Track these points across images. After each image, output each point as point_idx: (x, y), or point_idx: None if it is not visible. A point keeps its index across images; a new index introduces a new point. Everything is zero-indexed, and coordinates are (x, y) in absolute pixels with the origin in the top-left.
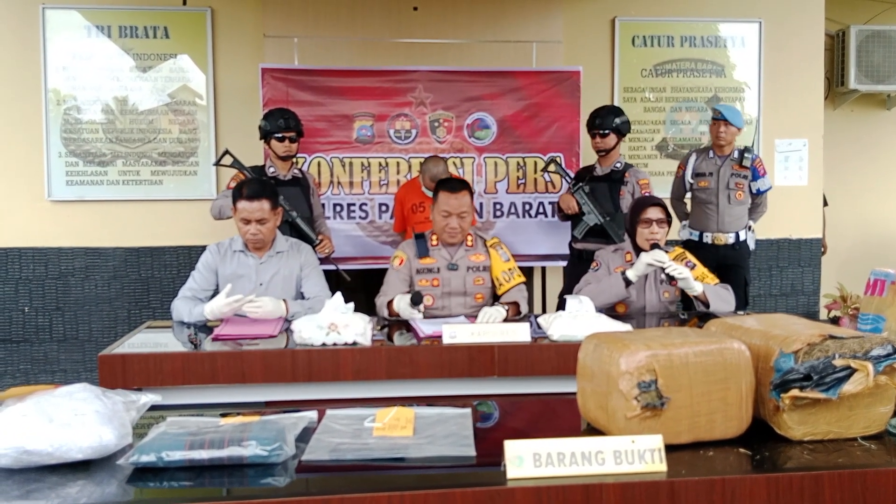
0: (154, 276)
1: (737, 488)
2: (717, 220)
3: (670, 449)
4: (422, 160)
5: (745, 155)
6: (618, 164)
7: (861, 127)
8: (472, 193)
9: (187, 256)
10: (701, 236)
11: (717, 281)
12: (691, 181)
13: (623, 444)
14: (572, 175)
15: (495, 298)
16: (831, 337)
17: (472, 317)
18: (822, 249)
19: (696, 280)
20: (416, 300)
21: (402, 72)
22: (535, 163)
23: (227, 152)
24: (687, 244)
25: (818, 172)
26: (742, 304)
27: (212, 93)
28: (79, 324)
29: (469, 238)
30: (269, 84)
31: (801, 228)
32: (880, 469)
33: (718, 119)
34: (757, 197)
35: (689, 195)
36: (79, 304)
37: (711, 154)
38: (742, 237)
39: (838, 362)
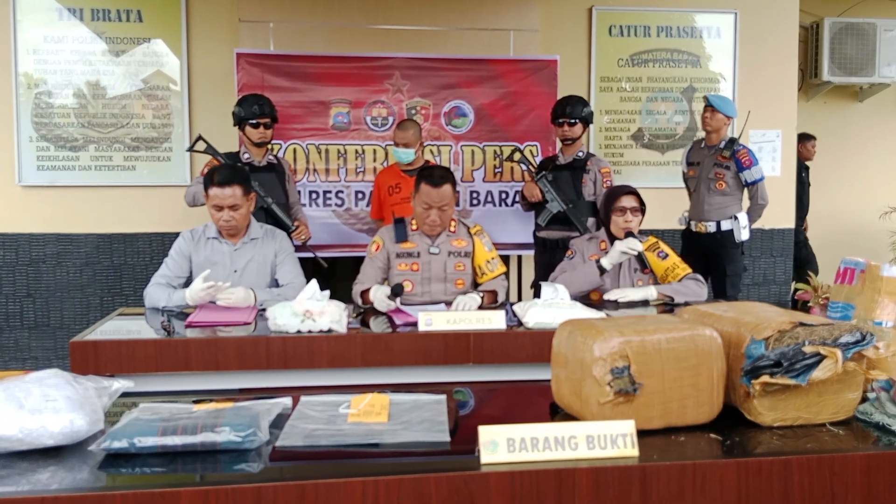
0: (127, 262)
1: (707, 473)
2: (700, 209)
3: (642, 434)
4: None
5: (730, 146)
6: (580, 153)
7: (834, 118)
8: (454, 184)
9: (160, 243)
10: (689, 224)
11: (688, 270)
12: (685, 170)
13: (596, 429)
14: (535, 164)
15: (476, 287)
16: (801, 324)
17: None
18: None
19: (667, 269)
20: (397, 292)
21: (379, 58)
22: (513, 152)
23: (199, 138)
24: (684, 232)
25: (791, 163)
26: (721, 293)
27: (186, 78)
28: (50, 311)
29: (452, 223)
30: (244, 69)
31: (773, 219)
32: (848, 454)
33: (706, 106)
34: (750, 189)
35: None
36: (50, 291)
37: (703, 144)
38: (725, 227)
39: (808, 349)
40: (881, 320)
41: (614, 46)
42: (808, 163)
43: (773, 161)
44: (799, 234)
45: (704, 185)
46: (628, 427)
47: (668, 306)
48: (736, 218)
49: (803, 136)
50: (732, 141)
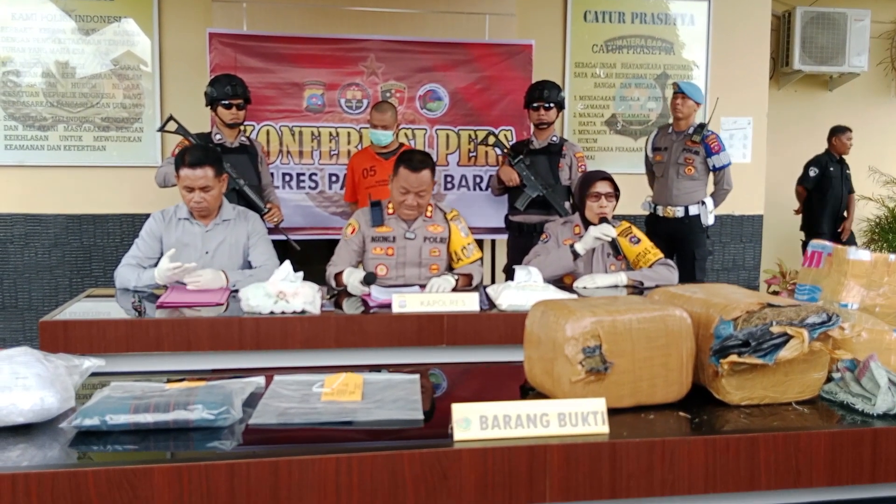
0: (96, 244)
1: (676, 449)
2: (667, 194)
3: (613, 412)
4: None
5: (700, 131)
6: (554, 138)
7: (804, 107)
8: (433, 169)
9: (131, 225)
10: (655, 209)
11: (660, 255)
12: (650, 155)
13: (567, 406)
14: (509, 148)
15: (450, 272)
16: (769, 305)
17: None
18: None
19: (639, 255)
20: (369, 280)
21: (355, 40)
22: (487, 136)
23: (171, 118)
24: (648, 217)
25: (762, 150)
26: (689, 277)
27: (157, 58)
28: (18, 292)
29: (429, 208)
30: (216, 49)
31: (743, 205)
32: (812, 432)
33: (677, 93)
34: (716, 174)
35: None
36: (18, 272)
37: (670, 130)
38: (693, 212)
39: (775, 329)
40: (847, 302)
41: (589, 32)
42: (844, 157)
43: (744, 148)
44: (832, 232)
45: (673, 170)
46: (599, 405)
47: (637, 290)
48: (703, 203)
49: (837, 129)
50: (702, 126)
